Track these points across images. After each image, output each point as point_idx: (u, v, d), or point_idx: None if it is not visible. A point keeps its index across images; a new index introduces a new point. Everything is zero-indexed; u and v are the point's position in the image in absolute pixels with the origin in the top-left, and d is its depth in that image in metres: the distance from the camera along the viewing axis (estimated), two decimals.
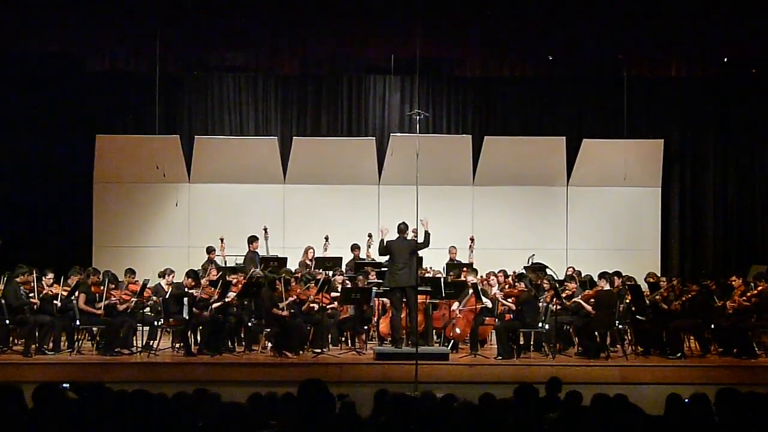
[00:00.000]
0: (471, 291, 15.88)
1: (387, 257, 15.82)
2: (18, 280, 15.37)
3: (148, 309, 16.21)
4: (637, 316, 15.98)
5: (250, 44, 19.80)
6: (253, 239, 18.63)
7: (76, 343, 15.64)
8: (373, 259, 18.76)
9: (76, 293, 15.36)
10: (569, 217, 20.91)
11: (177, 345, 15.91)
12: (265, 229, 19.04)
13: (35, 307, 15.19)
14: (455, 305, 16.09)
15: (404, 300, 15.06)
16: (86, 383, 7.91)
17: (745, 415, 7.19)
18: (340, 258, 18.44)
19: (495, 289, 16.26)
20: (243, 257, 18.69)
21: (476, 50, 20.17)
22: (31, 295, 15.26)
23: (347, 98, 21.91)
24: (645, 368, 14.99)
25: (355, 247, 18.96)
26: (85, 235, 20.30)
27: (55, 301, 15.36)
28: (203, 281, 15.91)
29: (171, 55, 20.05)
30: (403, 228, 15.24)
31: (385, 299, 16.17)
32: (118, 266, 17.32)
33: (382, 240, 15.27)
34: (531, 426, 7.04)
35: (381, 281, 16.68)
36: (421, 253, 16.02)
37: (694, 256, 21.91)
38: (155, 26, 17.95)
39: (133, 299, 15.61)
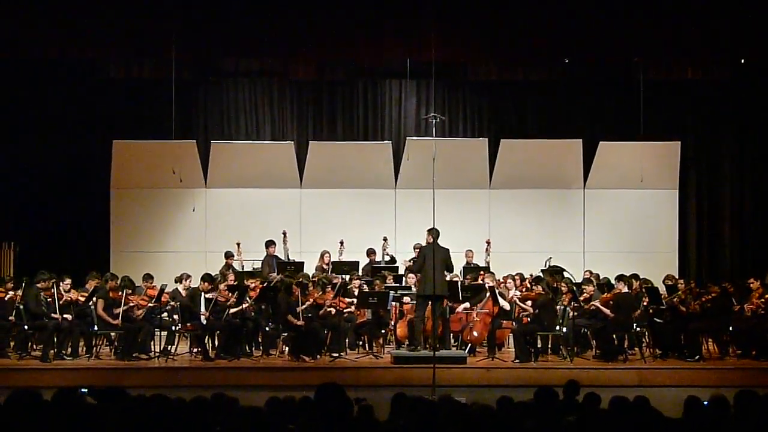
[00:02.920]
0: (488, 294, 15.86)
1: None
2: (39, 286, 15.42)
3: (165, 314, 16.25)
4: (655, 319, 15.94)
5: (266, 49, 19.82)
6: (270, 243, 18.67)
7: (95, 348, 15.70)
8: (389, 262, 18.80)
9: (94, 299, 15.39)
10: (586, 220, 20.88)
11: (195, 350, 15.95)
12: (284, 233, 19.06)
13: (55, 312, 15.20)
14: (461, 307, 16.06)
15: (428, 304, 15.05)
16: (105, 388, 7.93)
17: (765, 417, 7.17)
18: (357, 262, 18.46)
19: (513, 292, 16.25)
20: (260, 261, 18.73)
21: (492, 53, 20.15)
22: (50, 300, 15.29)
23: (363, 102, 21.94)
24: (663, 371, 14.97)
25: (371, 252, 18.97)
26: (102, 240, 20.35)
27: (66, 315, 15.37)
28: (222, 286, 15.94)
29: (187, 61, 20.11)
30: (436, 234, 15.20)
31: (398, 303, 16.22)
32: (135, 271, 17.34)
33: (416, 258, 15.24)
34: (550, 429, 7.02)
35: (398, 285, 16.70)
36: None
37: (711, 258, 21.85)
38: (171, 32, 17.99)
39: (149, 304, 15.64)
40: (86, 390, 7.76)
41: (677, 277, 17.72)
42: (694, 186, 21.79)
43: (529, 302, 15.79)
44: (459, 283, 16.42)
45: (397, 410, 7.56)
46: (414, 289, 16.45)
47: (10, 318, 15.21)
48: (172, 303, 16.08)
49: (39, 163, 20.72)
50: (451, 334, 16.17)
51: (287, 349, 15.71)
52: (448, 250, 15.30)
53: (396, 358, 15.07)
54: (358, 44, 19.28)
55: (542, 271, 17.93)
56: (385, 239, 19.15)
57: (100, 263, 18.97)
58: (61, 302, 15.31)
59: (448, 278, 16.83)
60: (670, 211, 21.05)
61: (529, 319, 15.81)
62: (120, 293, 15.48)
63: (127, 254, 20.16)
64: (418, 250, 17.83)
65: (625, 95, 20.95)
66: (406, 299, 16.30)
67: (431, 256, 14.94)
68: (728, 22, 18.61)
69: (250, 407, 7.04)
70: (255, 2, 18.40)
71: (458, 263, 18.73)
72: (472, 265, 18.69)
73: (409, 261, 18.31)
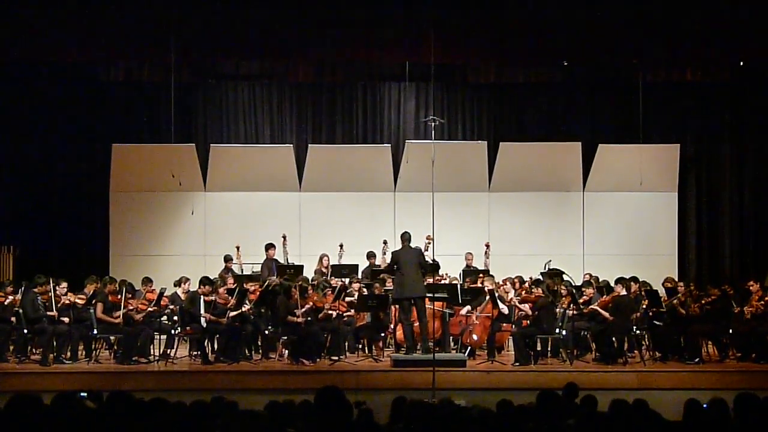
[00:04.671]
0: (488, 297, 15.86)
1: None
2: (36, 290, 15.41)
3: (164, 317, 16.25)
4: (655, 322, 15.94)
5: (265, 52, 19.80)
6: (269, 246, 18.66)
7: (94, 352, 15.70)
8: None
9: (93, 302, 15.39)
10: (585, 223, 20.87)
11: (194, 353, 15.95)
12: (284, 237, 19.05)
13: (54, 317, 15.20)
14: (464, 310, 16.10)
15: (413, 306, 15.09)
16: (105, 391, 7.92)
17: (764, 420, 7.16)
18: (357, 265, 18.44)
19: (512, 295, 16.25)
20: (260, 265, 18.73)
21: (491, 56, 20.13)
22: (48, 304, 15.28)
23: (362, 106, 21.93)
24: (663, 374, 14.97)
25: (370, 255, 18.96)
26: (101, 244, 20.37)
27: (64, 318, 15.36)
28: (221, 289, 15.93)
29: (185, 64, 20.11)
30: (408, 237, 15.27)
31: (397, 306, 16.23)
32: (134, 275, 17.36)
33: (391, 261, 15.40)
34: None
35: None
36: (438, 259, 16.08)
37: (711, 261, 21.83)
38: (169, 35, 17.98)
39: (149, 308, 15.63)
40: (85, 394, 7.75)
41: (677, 279, 17.71)
42: (694, 188, 21.77)
43: (528, 305, 15.79)
44: (458, 286, 16.44)
45: (396, 414, 7.56)
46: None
47: (12, 318, 15.24)
48: (172, 306, 16.08)
49: (38, 167, 20.75)
50: (451, 338, 16.20)
51: (287, 352, 15.70)
52: (420, 250, 15.32)
53: (395, 361, 15.06)
54: (358, 47, 19.25)
55: (542, 274, 17.92)
56: (384, 242, 19.13)
57: (99, 267, 19.02)
58: (59, 305, 15.31)
59: (447, 281, 16.90)
60: (669, 213, 21.05)
61: (528, 322, 15.80)
62: (119, 297, 15.48)
63: (126, 258, 20.15)
64: None
65: (624, 98, 20.94)
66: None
67: (406, 260, 15.06)
68: (727, 25, 18.59)
69: (250, 411, 7.03)
70: (254, 5, 18.39)
71: (458, 266, 18.77)
72: (471, 268, 18.68)
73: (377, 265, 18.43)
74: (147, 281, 16.60)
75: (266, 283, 16.57)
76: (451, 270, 18.33)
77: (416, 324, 15.20)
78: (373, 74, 21.83)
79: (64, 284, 15.64)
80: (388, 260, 18.71)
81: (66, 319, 15.28)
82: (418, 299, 15.03)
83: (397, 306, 16.05)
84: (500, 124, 21.99)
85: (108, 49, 18.89)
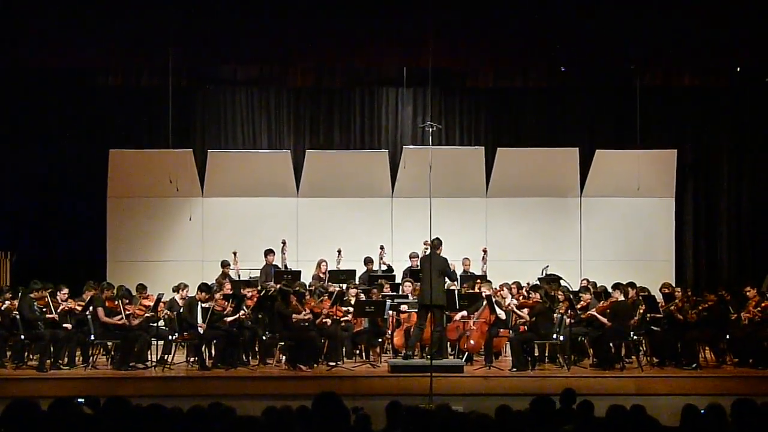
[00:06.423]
0: (485, 303, 15.86)
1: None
2: (32, 295, 15.40)
3: (162, 323, 16.24)
4: (652, 327, 15.94)
5: (263, 57, 19.81)
6: (268, 252, 18.65)
7: (91, 357, 15.68)
8: (386, 271, 18.78)
9: (91, 308, 15.39)
10: (583, 228, 20.88)
11: (191, 359, 15.93)
12: (284, 243, 19.03)
13: (53, 319, 15.20)
14: (458, 316, 16.09)
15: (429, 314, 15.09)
16: (102, 397, 7.92)
17: (762, 426, 7.17)
18: (354, 271, 18.44)
19: (509, 300, 16.25)
20: (257, 270, 18.72)
21: (488, 62, 20.14)
22: (45, 310, 15.28)
23: (360, 111, 21.89)
24: (660, 379, 14.95)
25: (368, 260, 18.96)
26: (98, 250, 20.35)
27: (67, 325, 15.37)
28: (218, 295, 15.92)
29: (183, 69, 20.12)
30: (437, 244, 15.24)
31: (395, 312, 16.23)
32: (131, 281, 17.35)
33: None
34: None
35: (395, 294, 16.72)
36: None
37: (708, 267, 21.82)
38: (167, 40, 17.98)
39: (146, 314, 15.62)
40: (83, 400, 7.75)
41: (674, 285, 17.72)
42: (691, 194, 21.77)
43: (525, 310, 15.78)
44: (456, 292, 16.43)
45: (393, 419, 7.55)
46: (411, 298, 16.49)
47: (13, 317, 15.23)
48: (168, 312, 16.06)
49: (35, 172, 20.72)
50: (448, 343, 16.18)
51: (284, 358, 15.69)
52: (445, 259, 15.29)
53: (393, 367, 15.04)
54: (355, 52, 19.25)
55: (539, 279, 17.92)
56: (382, 248, 19.14)
57: (96, 272, 19.01)
58: (58, 311, 15.30)
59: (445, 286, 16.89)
60: (666, 219, 21.07)
61: (526, 327, 15.80)
62: (116, 303, 15.48)
63: (123, 263, 20.16)
64: (414, 258, 17.98)
65: (622, 103, 20.93)
66: (404, 308, 16.32)
67: (426, 267, 15.07)
68: (725, 30, 18.60)
69: (247, 417, 7.03)
70: (252, 10, 18.40)
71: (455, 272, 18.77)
72: (469, 274, 18.68)
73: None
74: (141, 288, 16.57)
75: (265, 289, 16.58)
76: None
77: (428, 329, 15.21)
78: (370, 79, 21.84)
79: (66, 290, 15.68)
80: (384, 267, 18.90)
81: (68, 326, 15.32)
82: (432, 308, 15.00)
83: (393, 312, 16.13)
84: (498, 130, 21.95)
85: (106, 55, 18.87)
